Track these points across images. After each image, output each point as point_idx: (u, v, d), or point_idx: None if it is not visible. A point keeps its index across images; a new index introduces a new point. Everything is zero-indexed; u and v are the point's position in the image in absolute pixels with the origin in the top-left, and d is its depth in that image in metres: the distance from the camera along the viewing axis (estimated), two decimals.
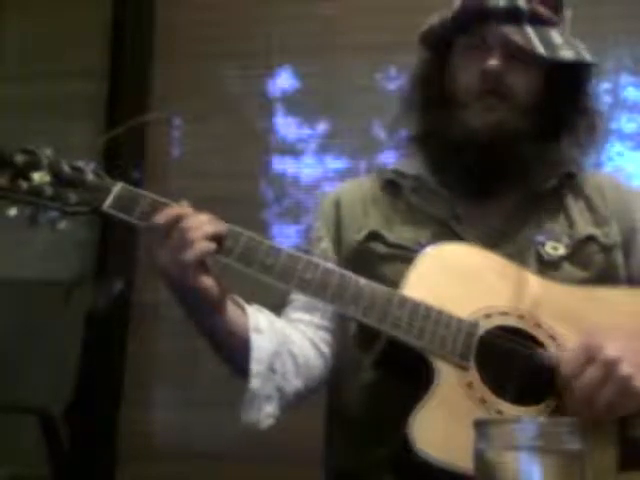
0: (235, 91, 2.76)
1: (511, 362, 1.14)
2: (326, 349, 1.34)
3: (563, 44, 1.27)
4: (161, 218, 1.12)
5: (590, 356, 1.09)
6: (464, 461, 0.93)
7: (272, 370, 1.24)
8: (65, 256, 2.66)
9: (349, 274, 1.17)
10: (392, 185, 1.39)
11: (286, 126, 2.73)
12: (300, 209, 2.66)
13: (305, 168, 2.70)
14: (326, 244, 1.38)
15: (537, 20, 1.27)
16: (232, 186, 2.62)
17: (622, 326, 1.17)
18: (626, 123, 2.53)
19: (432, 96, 1.35)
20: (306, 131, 2.72)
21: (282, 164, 2.71)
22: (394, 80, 2.67)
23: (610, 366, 1.08)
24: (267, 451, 2.33)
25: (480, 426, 0.81)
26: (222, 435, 2.47)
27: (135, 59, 2.79)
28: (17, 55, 2.85)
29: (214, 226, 1.14)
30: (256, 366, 1.22)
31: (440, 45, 1.35)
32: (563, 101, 1.33)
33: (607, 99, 2.51)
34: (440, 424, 1.09)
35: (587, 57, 1.29)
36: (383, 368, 1.22)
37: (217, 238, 1.13)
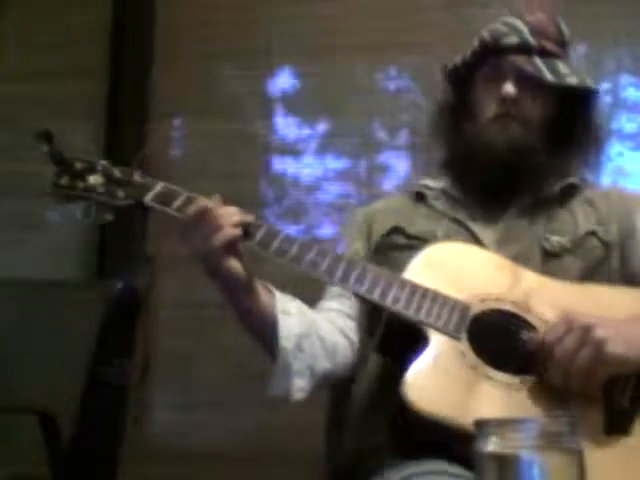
0: (235, 91, 2.76)
1: (502, 336, 1.23)
2: (354, 336, 1.43)
3: (569, 73, 1.45)
4: (195, 208, 1.26)
5: (569, 326, 1.18)
6: (455, 414, 1.10)
7: (300, 349, 1.32)
8: (65, 256, 2.66)
9: (357, 260, 1.31)
10: (418, 195, 1.53)
11: (286, 126, 2.74)
12: (300, 209, 2.66)
13: (305, 168, 2.70)
14: (358, 244, 1.51)
15: (545, 53, 1.45)
16: (232, 186, 2.61)
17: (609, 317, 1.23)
18: (626, 123, 2.54)
19: (456, 123, 1.52)
20: (306, 131, 2.72)
21: (282, 164, 2.72)
22: (394, 80, 2.67)
23: (586, 331, 1.16)
24: (267, 451, 2.34)
25: (480, 426, 0.81)
26: (222, 435, 2.48)
27: (135, 59, 2.80)
28: (17, 55, 2.85)
29: (240, 216, 1.27)
30: (284, 343, 1.30)
31: (462, 78, 1.53)
32: (571, 122, 1.50)
33: (607, 99, 2.51)
34: (432, 381, 1.17)
35: (590, 84, 1.48)
36: (384, 350, 1.31)
37: (243, 226, 1.26)
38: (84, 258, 2.68)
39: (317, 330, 1.37)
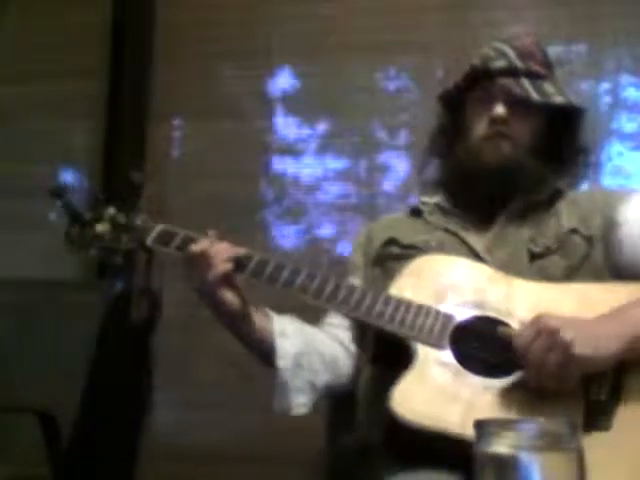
0: (235, 91, 2.76)
1: (482, 342, 1.28)
2: (353, 348, 1.50)
3: (554, 93, 1.52)
4: (191, 249, 1.36)
5: (537, 329, 1.21)
6: (440, 422, 1.17)
7: (299, 366, 1.40)
8: (65, 256, 2.66)
9: (344, 282, 1.38)
10: (416, 211, 1.60)
11: (286, 126, 2.73)
12: (300, 209, 2.66)
13: (305, 168, 2.70)
14: (357, 256, 1.59)
15: (532, 75, 1.52)
16: (232, 186, 2.61)
17: (585, 315, 1.26)
18: (626, 123, 2.53)
19: (450, 143, 1.59)
20: (306, 131, 2.72)
21: (282, 164, 2.71)
22: (394, 80, 2.67)
23: (553, 334, 1.19)
24: (267, 451, 2.34)
25: (480, 426, 0.81)
26: (222, 435, 2.48)
27: (135, 59, 2.79)
28: (17, 55, 2.85)
29: (231, 251, 1.36)
30: (282, 362, 1.39)
31: (455, 102, 1.60)
32: (558, 138, 1.56)
33: (607, 99, 2.51)
34: (417, 392, 1.22)
35: (575, 103, 1.55)
36: (377, 363, 1.38)
37: (235, 260, 1.36)
38: (84, 258, 2.68)
39: (316, 346, 1.45)
